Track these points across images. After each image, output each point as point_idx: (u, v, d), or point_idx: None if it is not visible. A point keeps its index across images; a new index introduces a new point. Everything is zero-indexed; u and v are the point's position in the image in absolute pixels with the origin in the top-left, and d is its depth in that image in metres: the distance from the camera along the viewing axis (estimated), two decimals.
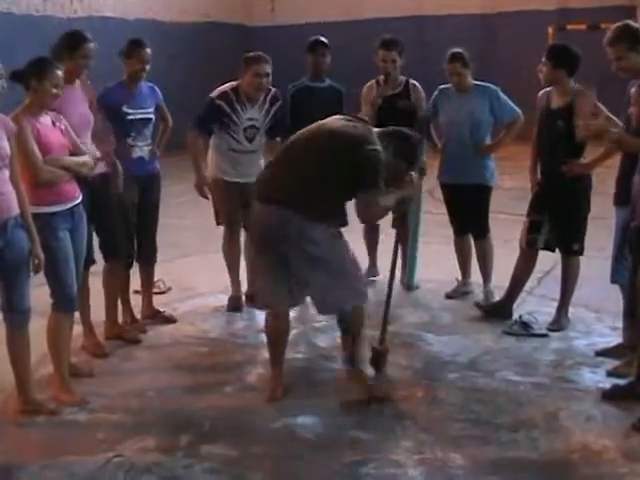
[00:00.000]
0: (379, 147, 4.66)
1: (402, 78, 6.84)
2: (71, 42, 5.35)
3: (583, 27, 15.80)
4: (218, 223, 6.59)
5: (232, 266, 6.58)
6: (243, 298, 6.56)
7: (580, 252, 5.97)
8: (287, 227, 4.61)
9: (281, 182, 4.72)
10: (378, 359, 5.20)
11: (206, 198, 6.46)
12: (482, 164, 6.57)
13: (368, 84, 6.85)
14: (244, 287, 6.57)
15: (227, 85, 6.33)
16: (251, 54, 6.30)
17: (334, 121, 4.83)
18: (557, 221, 5.95)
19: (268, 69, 6.20)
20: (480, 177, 6.55)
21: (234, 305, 6.53)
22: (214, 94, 6.31)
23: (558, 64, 5.76)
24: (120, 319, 6.06)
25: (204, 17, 16.94)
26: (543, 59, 5.82)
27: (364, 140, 4.65)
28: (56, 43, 5.37)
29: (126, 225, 5.94)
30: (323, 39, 6.67)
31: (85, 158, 4.92)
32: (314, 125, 4.86)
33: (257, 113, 6.31)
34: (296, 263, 4.72)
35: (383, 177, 4.64)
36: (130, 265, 6.12)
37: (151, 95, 6.10)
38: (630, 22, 5.16)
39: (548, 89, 5.96)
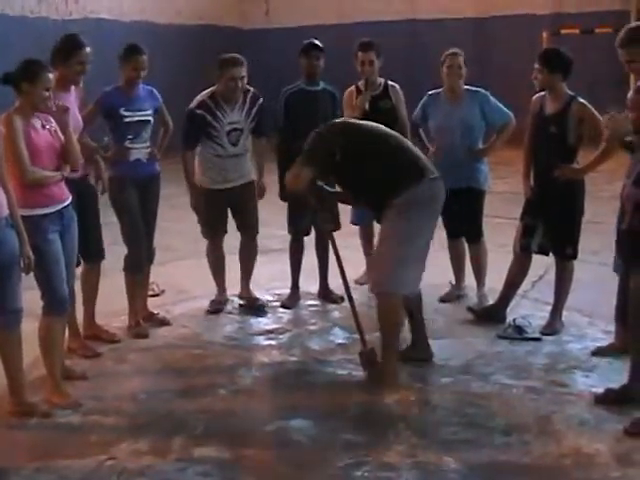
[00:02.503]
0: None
1: (381, 80, 6.84)
2: (66, 48, 5.36)
3: (577, 32, 15.86)
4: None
5: (217, 272, 6.69)
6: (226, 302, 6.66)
7: (574, 256, 5.98)
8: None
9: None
10: (369, 359, 5.23)
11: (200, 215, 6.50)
12: (475, 168, 6.57)
13: (349, 89, 6.85)
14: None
15: (204, 93, 6.30)
16: (226, 56, 6.26)
17: None
18: (551, 225, 5.96)
19: (243, 72, 6.17)
20: (473, 181, 6.56)
21: (215, 308, 6.59)
22: (193, 105, 6.26)
23: (553, 69, 5.76)
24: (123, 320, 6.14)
25: (198, 19, 16.91)
26: (537, 65, 5.83)
27: None
28: (52, 49, 5.39)
29: (135, 227, 6.00)
30: (317, 42, 6.65)
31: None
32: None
33: (238, 115, 6.28)
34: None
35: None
36: (144, 265, 6.19)
37: (149, 98, 6.10)
38: None
39: (542, 94, 5.97)
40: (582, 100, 5.81)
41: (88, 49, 5.41)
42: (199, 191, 6.38)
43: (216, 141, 6.27)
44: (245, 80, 6.22)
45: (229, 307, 6.68)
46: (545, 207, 5.96)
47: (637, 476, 4.05)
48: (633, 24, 5.13)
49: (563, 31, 16.02)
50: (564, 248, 5.95)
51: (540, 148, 5.96)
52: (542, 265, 6.60)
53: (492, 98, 6.55)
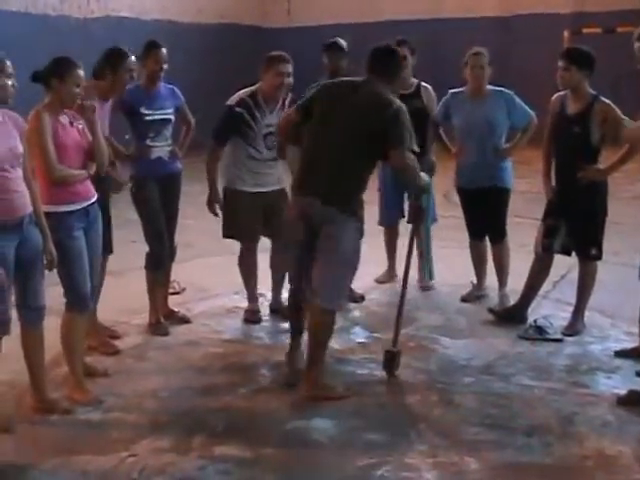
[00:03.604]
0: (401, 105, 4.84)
1: (414, 80, 6.84)
2: (113, 58, 5.50)
3: (599, 30, 15.77)
4: (225, 235, 6.36)
5: (249, 281, 6.44)
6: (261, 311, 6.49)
7: (599, 257, 5.94)
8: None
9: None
10: (392, 361, 5.21)
11: (216, 215, 6.27)
12: (500, 167, 6.53)
13: None
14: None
15: (243, 92, 6.12)
16: (273, 53, 6.10)
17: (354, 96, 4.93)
18: (574, 226, 5.92)
19: (290, 68, 6.01)
20: (498, 180, 6.52)
21: (251, 319, 6.38)
22: (232, 102, 6.04)
23: (581, 67, 5.72)
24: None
25: (220, 18, 16.95)
26: (561, 63, 5.78)
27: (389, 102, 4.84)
28: (98, 61, 5.54)
29: (157, 225, 5.99)
30: (340, 41, 6.64)
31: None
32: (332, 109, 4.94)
33: (276, 118, 6.00)
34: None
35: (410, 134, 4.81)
36: (165, 262, 6.19)
37: (171, 96, 6.11)
38: None
39: (562, 93, 5.94)
40: (605, 100, 5.78)
41: (133, 58, 5.56)
42: (228, 192, 6.22)
43: (252, 143, 6.07)
44: (291, 79, 6.04)
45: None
46: (568, 207, 5.92)
47: None
48: None
49: (585, 30, 15.96)
50: (588, 249, 5.92)
51: (563, 148, 5.93)
52: (564, 265, 6.58)
53: (517, 98, 6.51)
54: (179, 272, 6.71)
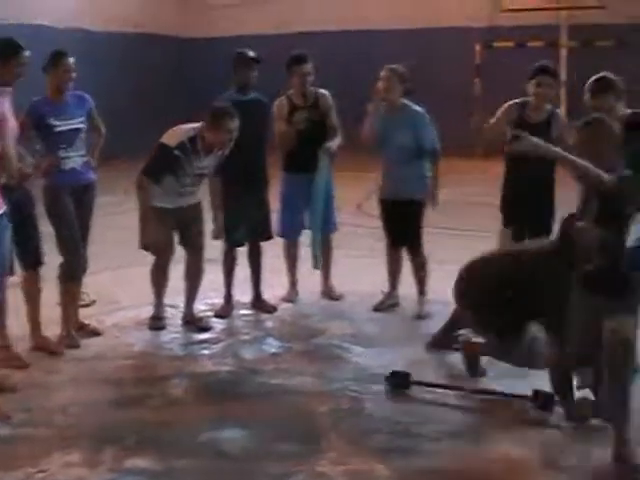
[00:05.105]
0: None
1: (311, 89, 6.87)
2: (4, 51, 5.40)
3: (511, 44, 16.13)
4: (142, 247, 6.21)
5: (159, 291, 6.45)
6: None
7: None
8: None
9: None
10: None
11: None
12: (420, 179, 6.66)
13: (279, 100, 6.85)
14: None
15: (184, 132, 6.03)
16: (221, 107, 6.04)
17: None
18: (535, 227, 5.94)
19: (237, 123, 5.96)
20: (418, 192, 6.65)
21: (155, 325, 6.41)
22: (172, 144, 5.96)
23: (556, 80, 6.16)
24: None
25: (135, 27, 16.80)
26: (545, 79, 6.01)
27: None
28: None
29: (72, 236, 5.91)
30: (249, 52, 6.64)
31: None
32: None
33: (211, 160, 6.11)
34: None
35: None
36: (80, 274, 6.11)
37: (79, 104, 6.04)
38: None
39: (518, 101, 6.14)
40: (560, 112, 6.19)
41: (27, 52, 5.45)
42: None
43: (179, 181, 6.06)
44: (235, 134, 5.98)
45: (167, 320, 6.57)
46: (525, 211, 6.05)
47: None
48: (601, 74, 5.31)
49: (496, 44, 16.31)
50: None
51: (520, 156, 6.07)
52: None
53: (427, 119, 6.64)
54: (89, 284, 6.62)
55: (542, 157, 4.82)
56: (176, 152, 5.94)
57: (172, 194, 6.14)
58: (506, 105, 6.23)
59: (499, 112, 6.22)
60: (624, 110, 5.36)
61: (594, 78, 5.34)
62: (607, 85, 5.33)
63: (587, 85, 5.34)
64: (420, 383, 5.17)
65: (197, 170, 6.08)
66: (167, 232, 6.21)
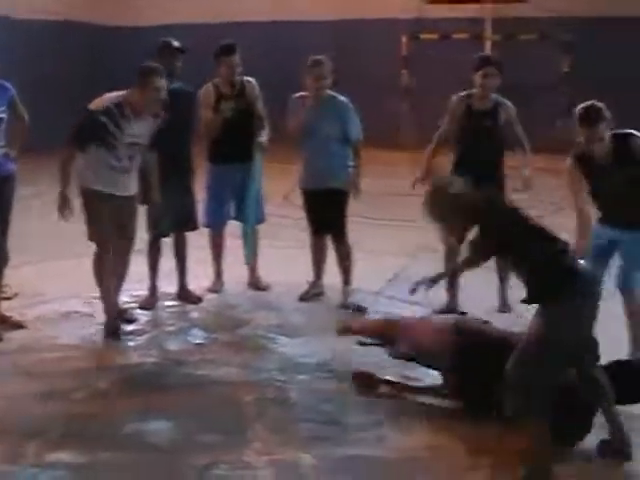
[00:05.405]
0: None
1: (238, 78, 6.87)
2: None
3: (435, 37, 16.29)
4: (91, 238, 6.03)
5: (105, 284, 6.17)
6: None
7: None
8: None
9: None
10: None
11: (66, 221, 5.96)
12: (342, 168, 6.71)
13: (205, 88, 6.85)
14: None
15: (109, 98, 5.84)
16: (148, 65, 5.89)
17: None
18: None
19: (164, 83, 5.83)
20: (341, 182, 6.69)
21: (113, 328, 6.08)
22: (97, 108, 5.76)
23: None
24: None
25: (56, 15, 16.47)
26: (491, 70, 6.23)
27: None
28: None
29: None
30: (174, 42, 6.60)
31: None
32: None
33: (143, 128, 5.89)
34: None
35: None
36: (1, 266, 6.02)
37: (0, 93, 5.91)
38: None
39: (463, 94, 6.40)
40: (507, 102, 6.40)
41: None
42: (87, 193, 5.92)
43: (112, 152, 5.81)
44: (164, 93, 5.83)
45: (85, 309, 6.52)
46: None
47: (487, 465, 4.21)
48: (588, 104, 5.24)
49: (422, 36, 16.44)
50: None
51: (472, 144, 6.31)
52: (398, 264, 6.76)
53: (351, 111, 6.69)
54: (11, 277, 6.51)
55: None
56: (102, 118, 5.71)
57: (105, 169, 5.85)
58: (454, 99, 6.46)
59: (449, 108, 6.44)
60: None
61: (583, 108, 5.13)
62: (598, 115, 5.18)
63: (577, 115, 5.13)
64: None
65: (128, 138, 5.83)
66: (107, 225, 5.96)
